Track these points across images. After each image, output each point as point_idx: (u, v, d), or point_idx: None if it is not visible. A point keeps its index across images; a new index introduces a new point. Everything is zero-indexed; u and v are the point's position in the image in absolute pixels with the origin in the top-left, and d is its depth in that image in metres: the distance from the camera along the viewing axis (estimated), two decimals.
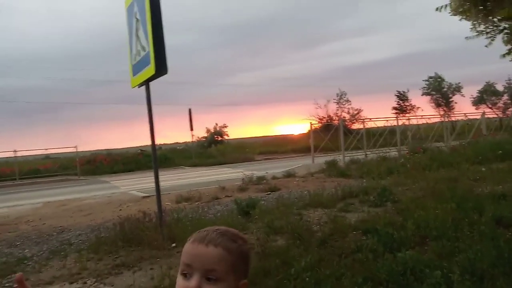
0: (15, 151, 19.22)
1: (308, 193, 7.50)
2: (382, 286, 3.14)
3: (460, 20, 5.78)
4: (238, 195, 8.26)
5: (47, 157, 25.65)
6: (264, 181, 10.50)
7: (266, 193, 8.78)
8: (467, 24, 6.01)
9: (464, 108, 36.93)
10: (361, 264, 3.63)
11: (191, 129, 22.33)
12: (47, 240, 5.94)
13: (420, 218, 4.82)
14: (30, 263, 4.77)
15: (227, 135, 30.69)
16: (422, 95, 35.95)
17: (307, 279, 3.35)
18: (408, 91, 35.39)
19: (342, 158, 14.27)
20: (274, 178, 11.07)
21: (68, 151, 21.09)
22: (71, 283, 3.99)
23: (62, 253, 5.08)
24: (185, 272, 0.92)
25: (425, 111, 36.47)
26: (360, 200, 6.76)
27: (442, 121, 19.07)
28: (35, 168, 20.30)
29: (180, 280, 0.93)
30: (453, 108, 34.46)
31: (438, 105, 35.43)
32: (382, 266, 3.43)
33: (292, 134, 33.84)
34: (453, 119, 21.56)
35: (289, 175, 11.53)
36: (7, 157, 20.49)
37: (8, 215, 8.55)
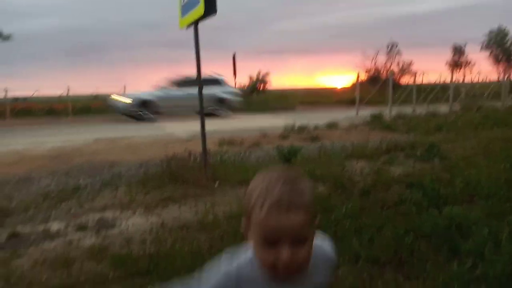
0: (68, 88, 20.17)
1: (351, 145, 7.37)
2: (425, 239, 3.09)
3: None
4: (280, 143, 8.27)
5: (96, 97, 26.71)
6: (306, 130, 10.42)
7: (308, 142, 8.74)
8: None
9: None
10: (403, 216, 3.58)
11: (234, 75, 22.19)
12: (99, 172, 6.32)
13: (469, 176, 4.63)
14: (84, 192, 5.13)
15: (270, 83, 30.34)
16: (481, 50, 33.30)
17: (347, 226, 3.36)
18: (465, 45, 32.85)
19: (388, 111, 13.77)
20: (316, 128, 10.94)
21: (117, 91, 21.79)
22: (122, 211, 4.27)
23: (113, 185, 5.40)
24: (268, 243, 0.87)
25: (483, 68, 33.91)
26: (405, 154, 6.56)
27: (500, 79, 17.70)
28: (87, 106, 21.27)
29: (262, 249, 0.88)
30: None
31: (497, 61, 32.77)
32: (425, 220, 3.36)
33: (336, 87, 32.91)
34: None
35: (331, 126, 11.35)
36: (60, 95, 21.58)
37: (63, 149, 9.14)
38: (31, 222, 4.05)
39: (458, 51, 32.88)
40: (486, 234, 3.01)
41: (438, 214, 3.49)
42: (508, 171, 4.78)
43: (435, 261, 2.78)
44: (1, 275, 2.87)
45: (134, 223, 3.92)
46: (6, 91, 19.32)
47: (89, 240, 3.52)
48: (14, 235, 3.67)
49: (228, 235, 3.36)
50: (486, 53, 32.85)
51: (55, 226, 3.91)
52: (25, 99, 23.16)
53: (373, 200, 4.15)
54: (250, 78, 29.73)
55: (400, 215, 3.63)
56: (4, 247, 3.41)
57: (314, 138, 9.08)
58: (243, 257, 0.96)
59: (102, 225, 3.87)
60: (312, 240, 0.91)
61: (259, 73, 29.82)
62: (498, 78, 18.41)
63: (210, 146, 7.86)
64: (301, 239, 0.87)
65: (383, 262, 2.80)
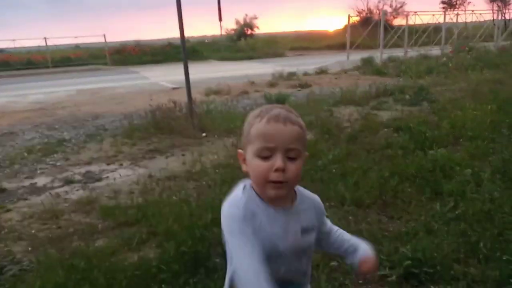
0: (45, 38, 19.30)
1: (340, 90, 7.29)
2: (409, 181, 3.14)
3: None
4: (268, 90, 8.15)
5: (77, 46, 25.74)
6: (295, 77, 10.26)
7: (297, 89, 8.63)
8: None
9: None
10: (389, 159, 3.61)
11: (220, 19, 21.45)
12: (83, 125, 6.22)
13: (456, 118, 4.65)
14: (69, 145, 5.06)
15: (257, 27, 29.33)
16: None
17: (334, 170, 3.39)
18: None
19: (379, 55, 13.53)
20: (305, 74, 10.77)
21: (97, 41, 21.02)
22: (108, 164, 4.24)
23: (98, 137, 5.33)
24: (264, 153, 0.92)
25: (477, 7, 33.04)
26: (394, 98, 6.53)
27: (494, 19, 17.31)
28: (67, 56, 20.56)
29: (257, 162, 0.93)
30: (509, 4, 31.00)
31: (492, 0, 31.89)
32: (411, 162, 3.40)
33: (327, 30, 31.99)
34: (507, 17, 19.51)
35: (321, 71, 11.18)
36: (38, 46, 20.73)
37: (45, 101, 8.92)
38: (17, 176, 4.02)
39: None
40: (469, 174, 3.07)
41: (423, 156, 3.53)
42: (494, 113, 4.80)
43: (418, 201, 2.84)
44: None
45: (121, 175, 3.90)
46: None
47: (76, 193, 3.51)
48: (1, 190, 3.64)
49: (216, 183, 3.38)
50: None
51: (41, 180, 3.89)
52: (1, 51, 22.22)
53: (360, 145, 4.17)
54: (237, 22, 28.68)
55: (386, 158, 3.67)
56: None
57: (303, 85, 8.96)
58: (238, 198, 1.00)
59: (89, 178, 3.85)
60: (301, 162, 0.95)
61: (246, 17, 28.74)
62: (493, 18, 17.97)
63: (196, 95, 7.71)
64: (293, 153, 0.93)
65: (368, 204, 2.86)
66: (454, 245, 2.26)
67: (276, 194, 0.94)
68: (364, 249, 1.14)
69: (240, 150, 1.02)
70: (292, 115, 0.94)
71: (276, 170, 0.91)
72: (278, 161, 0.91)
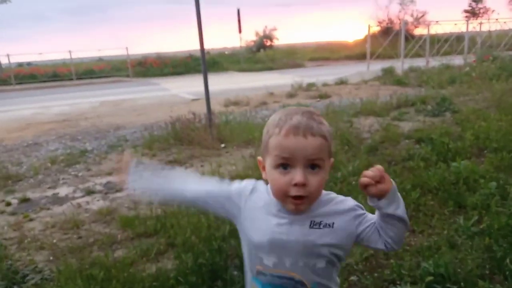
0: (70, 51, 19.95)
1: (360, 101, 7.23)
2: (432, 194, 3.07)
3: None
4: (287, 101, 8.16)
5: (100, 59, 26.47)
6: (314, 87, 10.23)
7: (316, 99, 8.60)
8: None
9: None
10: (411, 171, 3.54)
11: (239, 31, 21.62)
12: (105, 135, 6.36)
13: (480, 129, 4.52)
14: (91, 155, 5.18)
15: (276, 39, 29.49)
16: None
17: (354, 182, 3.34)
18: None
19: (400, 65, 13.36)
20: (325, 85, 10.73)
21: (119, 54, 21.57)
22: None
23: (119, 148, 5.43)
24: (283, 166, 0.90)
25: (501, 15, 32.34)
26: (416, 109, 6.42)
27: None
28: (90, 69, 21.16)
29: (277, 174, 0.91)
30: None
31: None
32: (433, 175, 3.32)
33: (347, 40, 31.85)
34: None
35: (341, 82, 11.11)
36: (63, 59, 21.44)
37: (69, 112, 9.18)
38: (41, 186, 4.12)
39: None
40: (494, 187, 2.96)
41: (446, 168, 3.44)
42: None
43: (441, 215, 2.76)
44: (15, 238, 2.95)
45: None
46: (9, 56, 19.18)
47: (97, 203, 3.58)
48: (25, 200, 3.75)
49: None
50: (505, 0, 31.13)
51: (64, 190, 3.98)
52: (29, 64, 23.06)
53: (381, 156, 4.10)
54: (257, 34, 28.92)
55: (407, 170, 3.60)
56: (16, 212, 3.49)
57: (323, 96, 8.92)
58: (264, 186, 1.04)
59: (110, 189, 3.92)
60: (325, 173, 0.92)
61: (265, 28, 28.97)
62: None
63: (216, 106, 7.80)
64: (315, 165, 0.89)
65: None
66: (479, 260, 2.18)
67: (296, 209, 0.92)
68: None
69: (259, 158, 1.00)
70: (313, 123, 0.90)
71: (295, 184, 0.88)
72: (297, 175, 0.88)
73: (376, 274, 2.18)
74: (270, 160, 0.93)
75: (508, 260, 2.12)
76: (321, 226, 0.98)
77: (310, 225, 0.97)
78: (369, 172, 0.93)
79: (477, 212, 2.69)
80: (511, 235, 2.38)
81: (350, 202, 1.04)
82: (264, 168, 0.98)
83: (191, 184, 1.12)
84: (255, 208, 1.01)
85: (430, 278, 2.00)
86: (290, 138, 0.88)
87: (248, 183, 1.06)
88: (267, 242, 0.97)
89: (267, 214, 0.98)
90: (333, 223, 0.99)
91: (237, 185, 1.07)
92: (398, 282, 2.08)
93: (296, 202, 0.90)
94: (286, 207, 0.94)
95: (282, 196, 0.92)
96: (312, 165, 0.89)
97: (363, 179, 0.93)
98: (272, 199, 0.99)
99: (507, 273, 2.06)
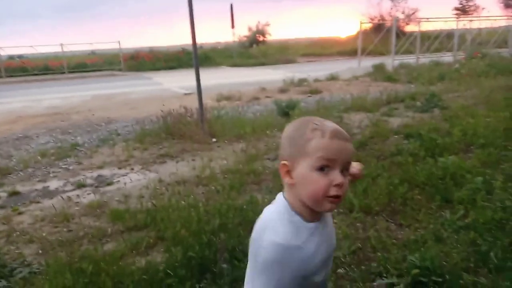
0: (62, 44, 19.68)
1: (351, 97, 7.27)
2: (419, 188, 3.11)
3: None
4: (278, 96, 8.17)
5: (92, 52, 26.17)
6: (306, 83, 10.26)
7: (307, 95, 8.62)
8: None
9: None
10: (399, 166, 3.59)
11: (232, 26, 21.54)
12: (96, 129, 6.32)
13: (468, 126, 4.59)
14: (82, 149, 5.14)
15: (269, 34, 29.41)
16: None
17: None
18: None
19: (391, 61, 13.44)
20: (316, 80, 10.76)
21: (112, 48, 21.34)
22: (120, 168, 4.30)
23: (110, 141, 5.40)
24: (325, 168, 0.94)
25: (491, 13, 32.61)
26: (405, 105, 6.48)
27: (508, 25, 17.05)
28: (82, 62, 20.90)
29: (316, 176, 0.94)
30: None
31: (507, 6, 31.47)
32: (421, 170, 3.37)
33: (339, 36, 31.86)
34: None
35: (332, 78, 11.15)
36: (55, 52, 21.16)
37: (60, 106, 9.09)
38: (31, 180, 4.10)
39: None
40: (480, 182, 3.02)
41: (433, 163, 3.49)
42: (507, 120, 4.73)
43: (427, 209, 2.81)
44: (3, 232, 2.93)
45: (132, 179, 3.95)
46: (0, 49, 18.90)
47: (87, 197, 3.57)
48: (14, 193, 3.72)
49: (224, 189, 3.40)
50: None
51: (54, 183, 3.96)
52: (20, 57, 22.72)
53: (370, 151, 4.15)
54: (249, 29, 28.82)
55: (396, 165, 3.64)
56: (5, 205, 3.47)
57: (314, 91, 8.95)
58: (280, 218, 0.98)
59: (101, 182, 3.91)
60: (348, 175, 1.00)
61: (258, 24, 28.88)
62: (507, 23, 17.68)
63: (208, 101, 7.78)
64: (348, 168, 0.97)
65: (377, 212, 2.84)
66: (464, 254, 2.23)
67: (332, 208, 0.96)
68: None
69: (285, 162, 0.98)
70: (347, 134, 0.98)
71: (337, 185, 0.93)
72: (339, 176, 0.93)
73: (363, 267, 2.22)
74: (310, 162, 0.94)
75: (492, 254, 2.17)
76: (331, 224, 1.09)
77: (331, 230, 1.07)
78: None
79: (463, 207, 2.74)
80: (496, 229, 2.44)
81: None
82: (288, 172, 0.98)
83: None
84: (297, 246, 0.97)
85: (416, 271, 2.03)
86: (335, 141, 0.94)
87: (279, 246, 0.95)
88: (320, 264, 1.02)
89: (306, 237, 0.98)
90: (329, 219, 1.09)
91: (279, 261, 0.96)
92: (384, 275, 2.12)
93: (335, 201, 0.95)
94: (322, 207, 0.96)
95: (321, 196, 0.94)
96: (346, 168, 0.96)
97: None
98: (298, 219, 0.98)
99: (491, 266, 2.11)
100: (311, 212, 0.98)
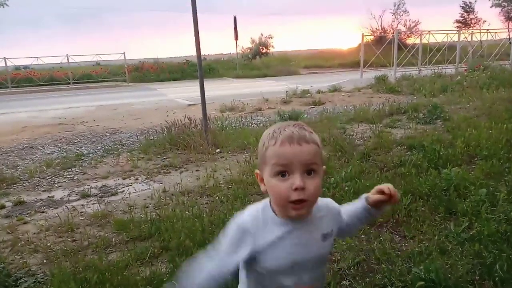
0: (67, 55, 19.91)
1: (354, 108, 7.31)
2: (423, 200, 3.11)
3: None
4: (281, 107, 8.22)
5: (97, 63, 26.41)
6: (308, 94, 10.31)
7: (310, 106, 8.67)
8: None
9: None
10: (402, 178, 3.59)
11: (236, 38, 21.74)
12: (101, 139, 6.36)
13: (471, 137, 4.60)
14: (87, 159, 5.18)
15: (272, 46, 29.62)
16: (491, 7, 31.95)
17: (346, 188, 3.38)
18: (475, 1, 31.55)
19: (393, 73, 13.52)
20: (318, 92, 10.82)
21: (117, 59, 21.54)
22: (124, 178, 4.32)
23: (115, 152, 5.44)
24: (282, 174, 0.95)
25: (492, 26, 32.79)
26: (408, 116, 6.50)
27: (509, 37, 17.15)
28: (87, 73, 21.09)
29: (275, 181, 0.96)
30: None
31: (508, 18, 31.62)
32: (424, 181, 3.37)
33: (341, 48, 32.10)
34: None
35: (334, 89, 11.21)
36: (61, 63, 21.37)
37: (65, 116, 9.16)
38: (36, 189, 4.12)
39: (466, 8, 31.60)
40: (484, 194, 3.02)
41: (437, 175, 3.50)
42: (509, 131, 4.73)
43: (431, 221, 2.81)
44: (8, 241, 2.95)
45: (137, 189, 3.97)
46: (5, 59, 19.10)
47: (92, 206, 3.58)
48: (19, 203, 3.74)
49: (228, 199, 3.41)
50: (497, 10, 31.46)
51: (59, 193, 3.98)
52: (26, 68, 22.96)
53: (373, 162, 4.15)
54: (252, 41, 29.05)
55: (399, 176, 3.65)
56: (10, 215, 3.49)
57: (316, 103, 9.00)
58: (255, 208, 1.06)
59: (105, 192, 3.93)
60: (320, 177, 0.98)
61: (261, 36, 29.10)
62: (509, 36, 17.79)
63: (212, 112, 7.85)
64: (311, 170, 0.95)
65: (380, 223, 2.84)
66: (469, 266, 2.23)
67: (297, 214, 0.96)
68: (363, 197, 1.15)
69: (257, 171, 1.04)
70: (305, 133, 0.96)
71: (296, 189, 0.93)
72: (297, 180, 0.92)
73: (367, 279, 2.22)
74: (268, 170, 0.96)
75: (497, 266, 2.16)
76: (330, 236, 1.07)
77: (323, 239, 1.04)
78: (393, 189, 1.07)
79: (467, 219, 2.74)
80: (501, 241, 2.43)
81: (334, 204, 1.15)
82: (262, 180, 1.01)
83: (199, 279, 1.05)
84: (264, 237, 1.01)
85: (421, 283, 2.03)
86: (286, 147, 0.93)
87: (238, 226, 1.03)
88: (289, 265, 1.01)
89: (277, 233, 1.00)
90: (332, 230, 1.08)
91: (229, 240, 1.03)
92: (389, 287, 2.12)
93: (297, 207, 0.94)
94: (288, 214, 0.97)
95: (284, 202, 0.95)
96: (308, 170, 0.94)
97: (392, 190, 1.06)
98: (271, 215, 1.02)
99: (497, 279, 2.09)
100: (287, 217, 0.99)
